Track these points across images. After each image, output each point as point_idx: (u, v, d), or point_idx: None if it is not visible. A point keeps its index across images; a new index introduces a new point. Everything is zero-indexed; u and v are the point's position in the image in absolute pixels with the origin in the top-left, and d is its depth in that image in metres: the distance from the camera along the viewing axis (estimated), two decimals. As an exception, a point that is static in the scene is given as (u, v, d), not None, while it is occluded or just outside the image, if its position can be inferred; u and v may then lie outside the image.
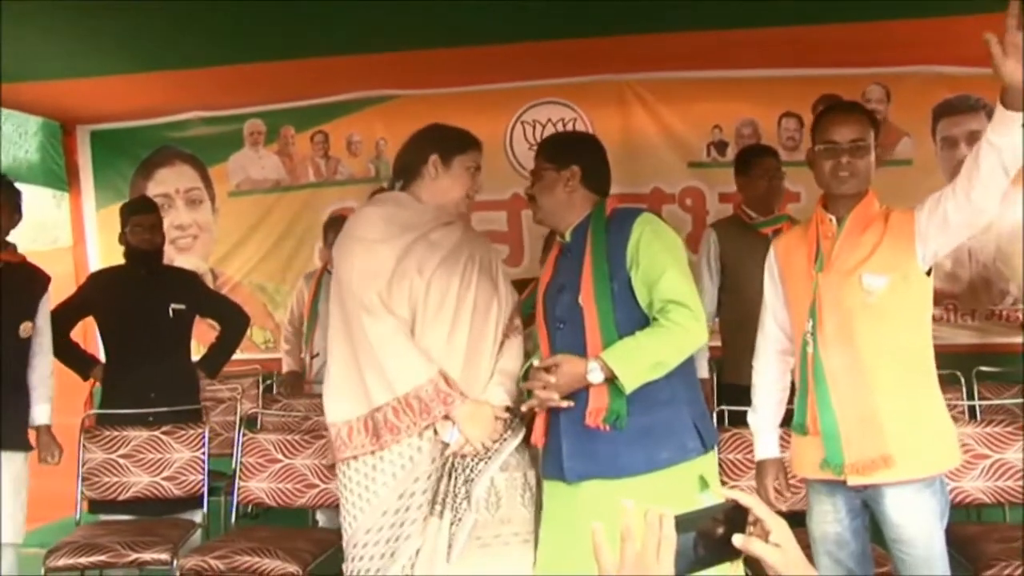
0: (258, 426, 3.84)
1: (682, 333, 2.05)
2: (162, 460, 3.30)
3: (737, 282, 3.29)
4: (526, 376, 2.20)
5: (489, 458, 2.23)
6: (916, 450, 2.00)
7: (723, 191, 4.71)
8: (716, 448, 2.80)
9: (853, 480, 2.02)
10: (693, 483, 2.10)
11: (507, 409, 2.27)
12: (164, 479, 3.28)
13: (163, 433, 3.32)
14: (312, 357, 4.40)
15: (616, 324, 2.09)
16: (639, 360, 2.04)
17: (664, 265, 2.07)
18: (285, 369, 4.54)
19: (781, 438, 2.29)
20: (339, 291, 2.26)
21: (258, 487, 3.17)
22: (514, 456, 2.28)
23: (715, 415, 2.96)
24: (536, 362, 2.17)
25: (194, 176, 5.31)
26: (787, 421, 2.26)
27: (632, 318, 2.10)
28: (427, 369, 2.16)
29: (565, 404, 2.10)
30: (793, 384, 2.22)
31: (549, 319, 2.24)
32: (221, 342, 3.85)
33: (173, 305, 3.56)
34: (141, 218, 3.56)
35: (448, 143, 2.34)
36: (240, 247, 5.25)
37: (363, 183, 4.81)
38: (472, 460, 2.22)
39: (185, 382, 3.63)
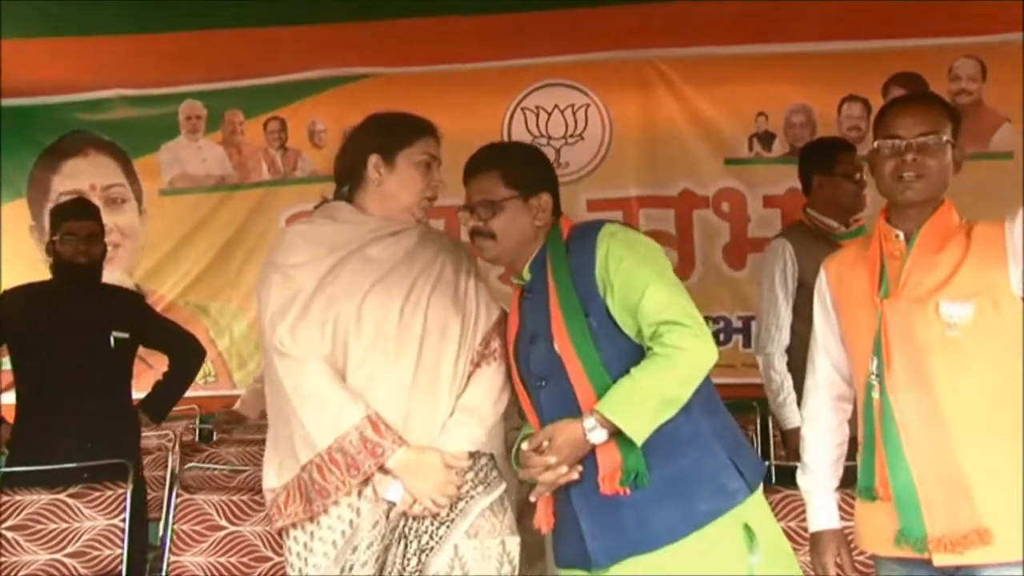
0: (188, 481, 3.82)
1: (685, 358, 2.06)
2: (67, 531, 3.16)
3: (811, 308, 3.27)
4: (518, 460, 2.21)
5: (452, 520, 2.21)
6: (1020, 522, 1.96)
7: (768, 193, 4.75)
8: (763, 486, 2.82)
9: (941, 560, 1.98)
10: (740, 537, 2.10)
11: (471, 456, 2.25)
12: (69, 556, 3.13)
13: (69, 496, 3.19)
14: None
15: (605, 366, 2.11)
16: (642, 404, 2.05)
17: (644, 282, 2.09)
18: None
19: (842, 503, 2.27)
20: (261, 329, 2.30)
21: (194, 561, 3.10)
22: (487, 518, 2.24)
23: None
24: (525, 445, 2.17)
25: (115, 169, 5.32)
26: (846, 482, 2.25)
27: (622, 353, 2.11)
28: (350, 414, 2.16)
29: (575, 475, 2.11)
30: (854, 438, 2.20)
31: (527, 377, 2.25)
32: (170, 380, 3.84)
33: (115, 332, 3.55)
34: (76, 224, 3.53)
35: (389, 137, 2.34)
36: (174, 259, 5.26)
37: (327, 180, 4.74)
38: (431, 524, 2.20)
39: (127, 429, 3.61)
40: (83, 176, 5.30)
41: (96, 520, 3.20)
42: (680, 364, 2.06)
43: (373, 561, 2.19)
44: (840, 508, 2.27)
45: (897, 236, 2.09)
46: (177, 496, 3.18)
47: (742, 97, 4.80)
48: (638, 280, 2.09)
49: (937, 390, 2.01)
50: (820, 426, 2.26)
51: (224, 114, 5.20)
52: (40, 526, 3.20)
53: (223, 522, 3.12)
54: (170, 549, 3.12)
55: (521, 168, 2.27)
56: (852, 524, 2.24)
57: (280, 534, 2.34)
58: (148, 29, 4.17)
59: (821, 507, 2.24)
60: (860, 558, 2.31)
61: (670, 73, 4.84)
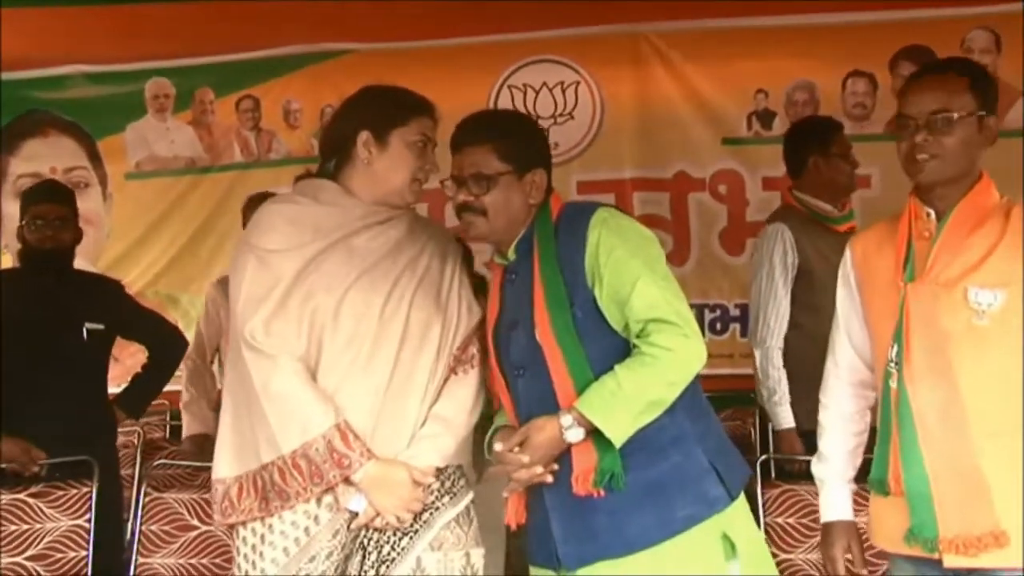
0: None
1: (672, 360, 2.06)
2: (28, 532, 3.13)
3: (813, 296, 3.27)
4: (491, 449, 2.22)
5: (415, 532, 2.22)
6: (1039, 527, 1.98)
7: (768, 175, 4.71)
8: (756, 497, 2.81)
9: (951, 561, 1.98)
10: (717, 546, 2.10)
11: (440, 471, 2.25)
12: (29, 559, 3.10)
13: (30, 496, 3.16)
14: None
15: (588, 361, 2.11)
16: (624, 405, 2.05)
17: (634, 275, 2.08)
18: (187, 430, 4.19)
19: (856, 496, 2.27)
20: (231, 314, 2.27)
21: (164, 563, 3.10)
22: (452, 530, 2.26)
23: (758, 465, 3.00)
24: (498, 446, 2.17)
25: (77, 152, 5.30)
26: (863, 476, 2.24)
27: (606, 348, 2.11)
28: (320, 421, 2.15)
29: (549, 478, 2.12)
30: (874, 428, 2.19)
31: (505, 365, 2.24)
32: (150, 373, 3.84)
33: (89, 324, 3.53)
34: (45, 208, 3.50)
35: (382, 113, 2.30)
36: (142, 246, 5.25)
37: (303, 163, 4.71)
38: (393, 535, 2.21)
39: (102, 426, 3.59)
40: (43, 159, 5.28)
41: (59, 520, 3.17)
42: (667, 366, 2.06)
43: (332, 571, 2.18)
44: (855, 502, 2.27)
45: (928, 215, 2.08)
46: (145, 495, 3.18)
47: (741, 73, 4.79)
48: (628, 273, 2.08)
49: (958, 381, 2.00)
50: (838, 412, 2.26)
51: (194, 92, 5.18)
52: (-1, 528, 3.20)
53: (194, 521, 3.12)
54: (138, 551, 3.13)
55: (517, 141, 2.23)
56: (866, 518, 2.23)
57: (231, 530, 2.31)
58: (112, 0, 4.13)
59: (834, 497, 2.25)
60: (869, 554, 2.31)
61: (665, 48, 4.83)
